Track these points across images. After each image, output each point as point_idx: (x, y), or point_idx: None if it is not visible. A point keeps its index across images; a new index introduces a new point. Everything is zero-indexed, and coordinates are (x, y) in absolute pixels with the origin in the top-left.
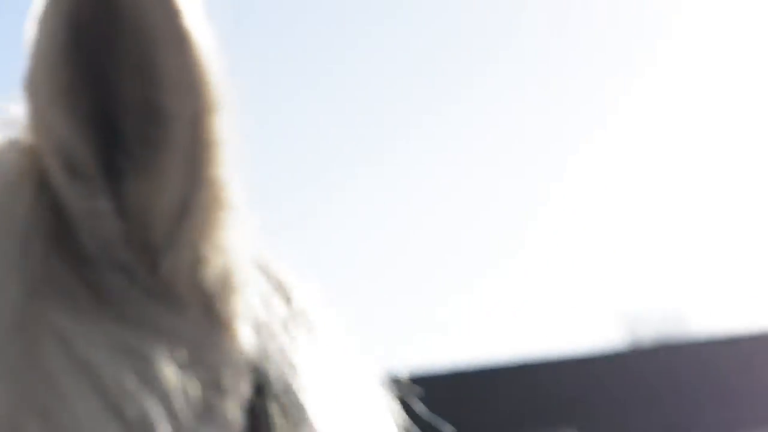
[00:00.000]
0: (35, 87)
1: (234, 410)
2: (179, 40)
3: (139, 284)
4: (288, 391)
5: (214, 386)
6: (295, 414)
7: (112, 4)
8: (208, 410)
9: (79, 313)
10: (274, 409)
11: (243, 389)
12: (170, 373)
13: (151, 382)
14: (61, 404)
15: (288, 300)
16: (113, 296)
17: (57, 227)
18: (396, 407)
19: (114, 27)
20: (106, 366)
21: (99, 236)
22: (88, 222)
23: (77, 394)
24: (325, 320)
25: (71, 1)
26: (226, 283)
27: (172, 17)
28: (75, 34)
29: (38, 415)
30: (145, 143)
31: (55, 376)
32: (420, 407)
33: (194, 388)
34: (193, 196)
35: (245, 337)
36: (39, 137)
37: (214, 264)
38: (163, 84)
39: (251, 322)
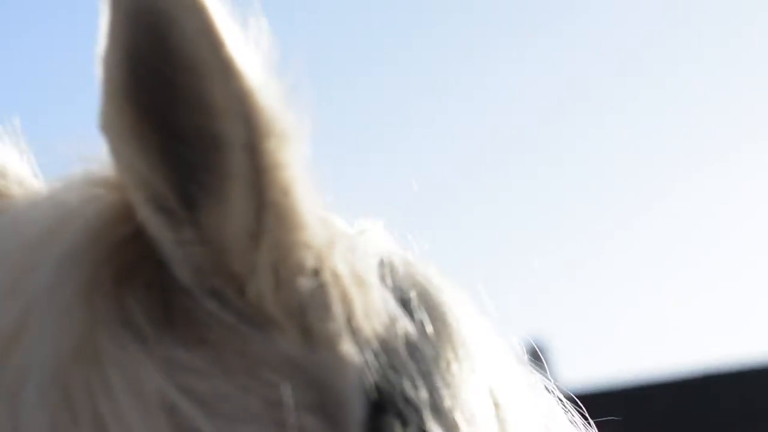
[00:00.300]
0: (107, 126)
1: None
2: (224, 70)
3: (231, 309)
4: (424, 409)
5: (315, 407)
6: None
7: (164, 40)
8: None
9: (147, 342)
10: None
11: (353, 407)
12: (254, 398)
13: (229, 406)
14: None
15: (431, 309)
16: (207, 322)
17: (141, 258)
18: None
19: (167, 62)
20: (172, 394)
21: (188, 265)
22: (176, 252)
23: (143, 425)
24: (480, 330)
25: (129, 41)
26: (320, 303)
27: (215, 49)
28: (134, 72)
29: None
30: (211, 172)
31: (119, 407)
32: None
33: (288, 410)
34: (260, 221)
35: (351, 355)
36: (120, 173)
37: (300, 284)
38: (214, 113)
39: (366, 338)
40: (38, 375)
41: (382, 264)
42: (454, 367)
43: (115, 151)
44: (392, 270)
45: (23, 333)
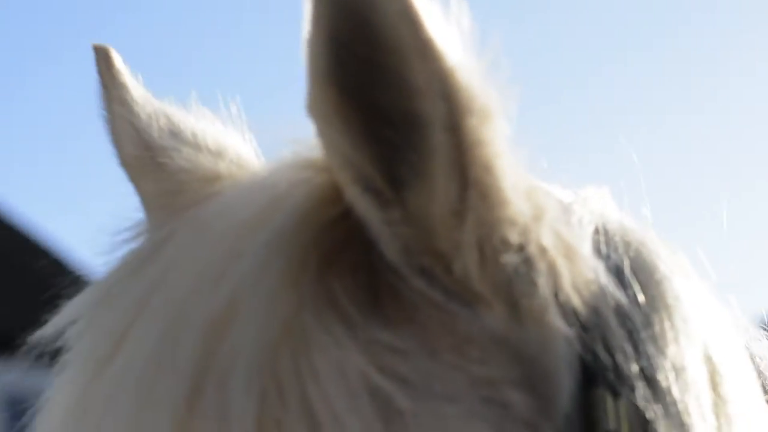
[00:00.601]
0: (313, 108)
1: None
2: (423, 50)
3: (438, 287)
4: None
5: (523, 382)
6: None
7: (366, 24)
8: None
9: (352, 325)
10: (607, 400)
11: (561, 380)
12: (460, 376)
13: (440, 381)
14: (332, 419)
15: (646, 277)
16: (414, 301)
17: (347, 241)
18: None
19: (368, 45)
20: (376, 376)
21: (395, 244)
22: (384, 231)
23: (348, 407)
24: (699, 297)
25: (332, 26)
26: (526, 277)
27: (415, 30)
28: (337, 55)
29: (308, 429)
30: (414, 152)
31: (325, 390)
32: None
33: (491, 386)
34: (463, 199)
35: (559, 328)
36: (327, 155)
37: (506, 260)
38: (415, 94)
39: (574, 310)
40: (246, 360)
41: (596, 232)
42: (669, 336)
43: (322, 133)
44: (607, 237)
45: (232, 319)
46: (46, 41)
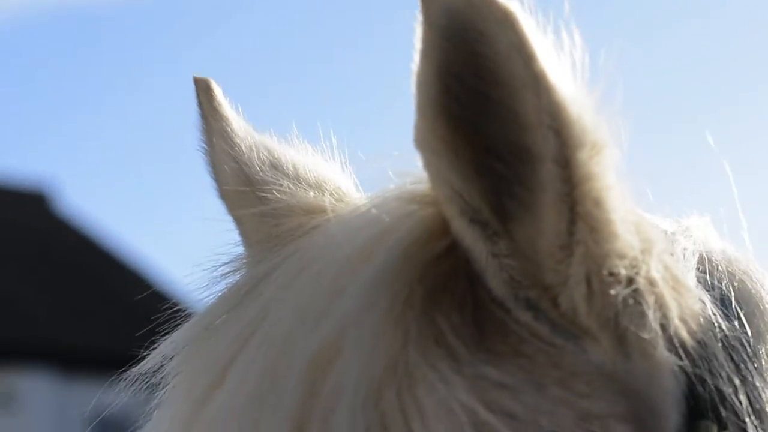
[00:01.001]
0: (421, 140)
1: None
2: (535, 83)
3: (545, 320)
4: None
5: (629, 416)
6: None
7: (476, 56)
8: None
9: (458, 360)
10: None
11: (668, 414)
12: (566, 410)
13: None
14: None
15: (752, 308)
16: (520, 334)
17: (453, 274)
18: None
19: (479, 77)
20: (482, 412)
21: (502, 276)
22: (491, 263)
23: None
24: None
25: (442, 57)
26: (634, 311)
27: (527, 63)
28: (447, 87)
29: None
30: (522, 185)
31: (431, 426)
32: None
33: (598, 420)
34: (572, 233)
35: (666, 361)
36: (434, 187)
37: (614, 294)
38: (526, 127)
39: (682, 342)
40: (350, 398)
41: (701, 262)
42: None
43: (429, 165)
44: (712, 268)
45: (335, 357)
46: (145, 71)
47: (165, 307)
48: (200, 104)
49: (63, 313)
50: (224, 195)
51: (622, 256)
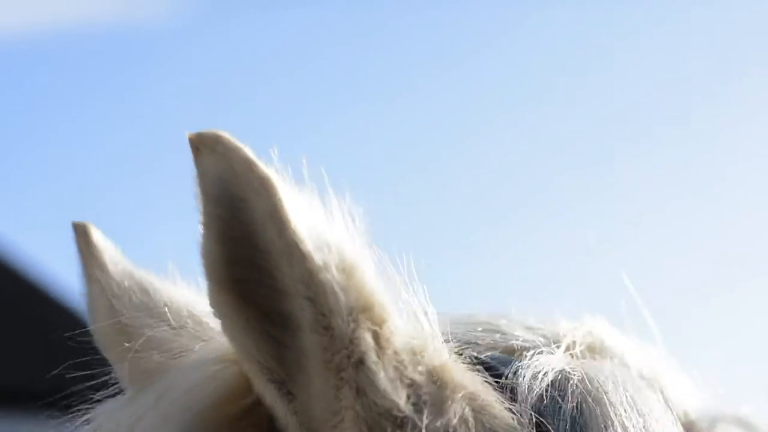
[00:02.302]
0: (212, 305)
1: None
2: (289, 252)
3: None
4: None
5: None
6: None
7: (243, 223)
8: None
9: None
10: None
11: None
12: None
13: None
14: None
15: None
16: None
17: (261, 427)
18: None
19: (248, 245)
20: None
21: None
22: (291, 422)
23: None
24: None
25: (220, 225)
26: None
27: (281, 231)
28: (228, 254)
29: None
30: (292, 351)
31: None
32: None
33: None
34: (338, 399)
35: None
36: (233, 348)
37: None
38: (285, 295)
39: None
40: None
41: (555, 384)
42: None
43: (224, 327)
44: (565, 390)
45: None
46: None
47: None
48: (79, 249)
49: None
50: (97, 334)
51: (393, 418)
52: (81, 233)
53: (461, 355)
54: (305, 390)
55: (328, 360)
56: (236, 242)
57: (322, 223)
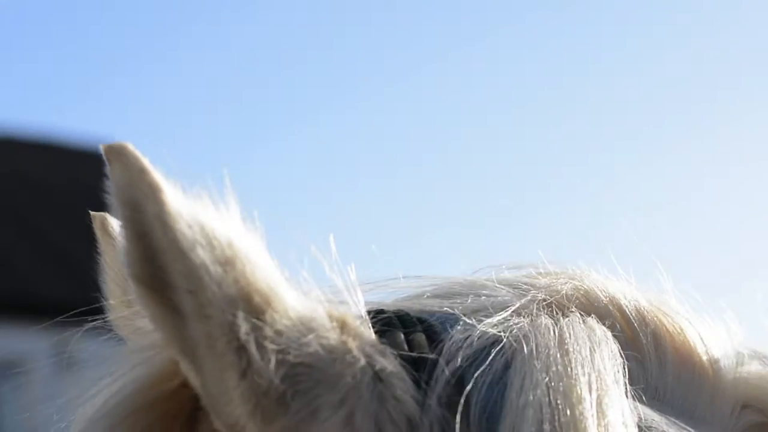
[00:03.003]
0: (137, 299)
1: None
2: (174, 250)
3: None
4: None
5: None
6: None
7: (144, 226)
8: None
9: None
10: None
11: None
12: None
13: None
14: None
15: None
16: None
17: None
18: None
19: (150, 246)
20: None
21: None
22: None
23: None
24: None
25: (136, 228)
26: None
27: (165, 232)
28: (144, 251)
29: None
30: (185, 340)
31: None
32: None
33: None
34: (224, 381)
35: None
36: (160, 335)
37: None
38: (175, 289)
39: None
40: None
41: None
42: None
43: (148, 317)
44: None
45: None
46: None
47: None
48: (97, 237)
49: None
50: (109, 309)
51: (275, 396)
52: (99, 223)
53: (381, 333)
54: (202, 372)
55: (211, 346)
56: (142, 242)
57: (210, 222)
